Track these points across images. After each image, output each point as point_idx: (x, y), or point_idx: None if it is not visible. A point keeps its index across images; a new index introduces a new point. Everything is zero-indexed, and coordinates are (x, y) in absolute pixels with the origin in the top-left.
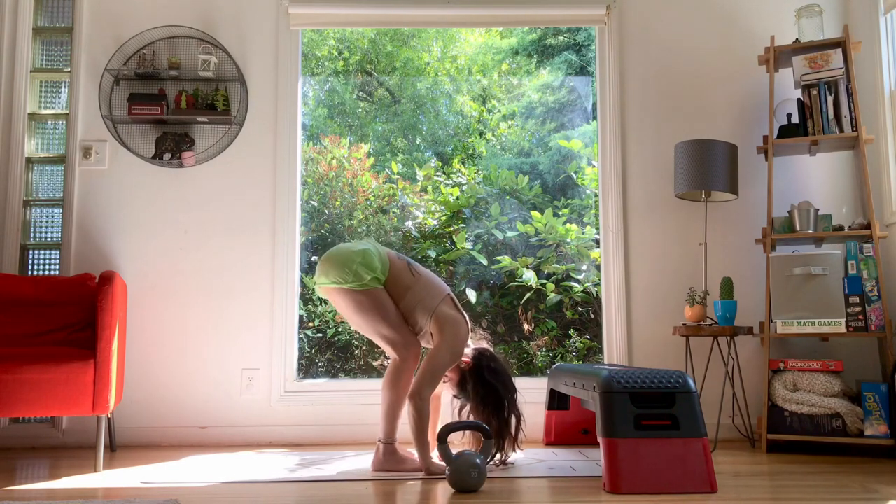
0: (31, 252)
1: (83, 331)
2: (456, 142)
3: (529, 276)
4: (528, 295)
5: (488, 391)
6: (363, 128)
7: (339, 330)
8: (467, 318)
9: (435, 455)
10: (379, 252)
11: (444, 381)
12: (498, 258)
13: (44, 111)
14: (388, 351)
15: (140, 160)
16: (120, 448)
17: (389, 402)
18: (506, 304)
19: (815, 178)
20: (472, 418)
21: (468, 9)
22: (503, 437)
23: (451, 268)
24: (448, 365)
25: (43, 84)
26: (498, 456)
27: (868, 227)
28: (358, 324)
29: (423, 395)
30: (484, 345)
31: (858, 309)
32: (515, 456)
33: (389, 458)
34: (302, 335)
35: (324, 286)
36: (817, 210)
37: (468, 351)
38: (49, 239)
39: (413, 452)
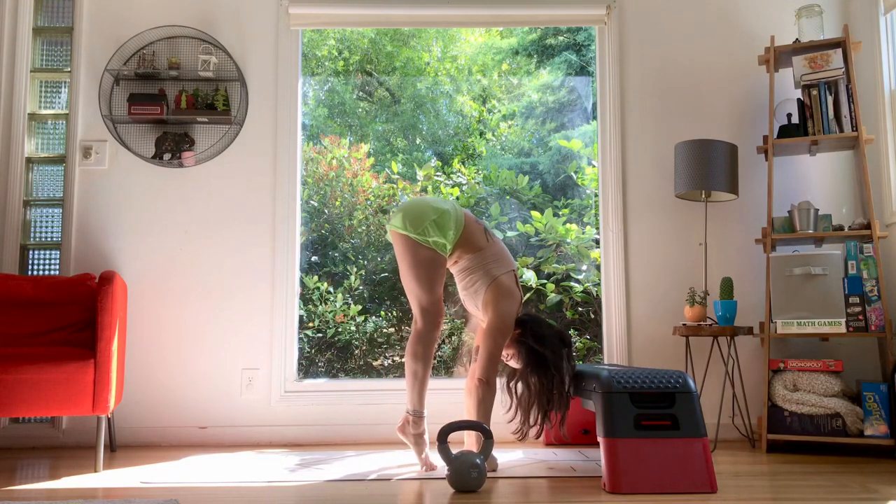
0: (31, 252)
1: (83, 331)
2: (456, 142)
3: (529, 276)
4: (528, 295)
5: (537, 363)
6: (363, 128)
7: (339, 330)
8: (522, 297)
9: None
10: (456, 215)
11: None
12: None
13: (44, 111)
14: (416, 312)
15: (140, 160)
16: (120, 448)
17: (414, 372)
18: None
19: (815, 178)
20: (519, 386)
21: (468, 9)
22: (557, 396)
23: None
24: (503, 342)
25: (43, 84)
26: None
27: (868, 227)
28: (404, 274)
29: (491, 381)
30: (523, 310)
31: (858, 309)
32: (516, 455)
33: (416, 429)
34: (302, 335)
35: (393, 228)
36: (817, 210)
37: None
38: (49, 239)
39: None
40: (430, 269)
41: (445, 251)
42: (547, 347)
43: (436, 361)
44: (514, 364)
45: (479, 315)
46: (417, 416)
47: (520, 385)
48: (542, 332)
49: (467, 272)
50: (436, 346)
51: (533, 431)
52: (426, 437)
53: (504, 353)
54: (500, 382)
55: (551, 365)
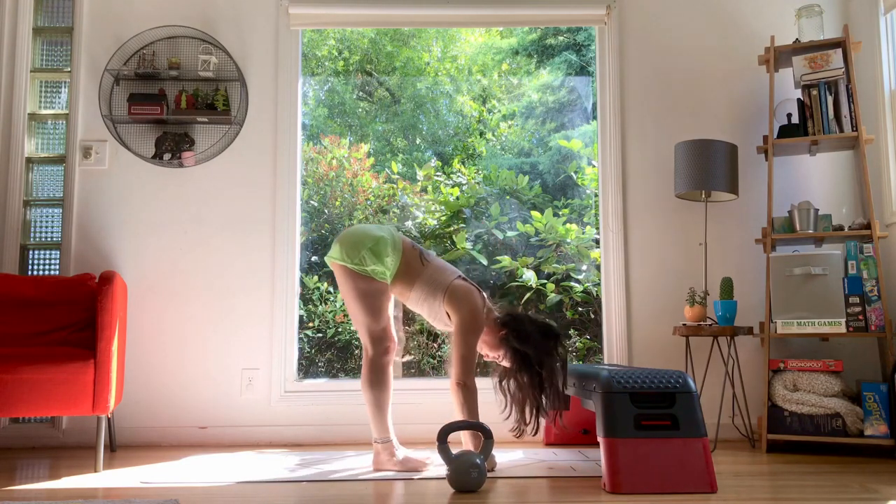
0: (31, 252)
1: (83, 331)
2: (456, 142)
3: (529, 276)
4: (528, 295)
5: (523, 361)
6: (363, 128)
7: (339, 330)
8: (481, 291)
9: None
10: (394, 241)
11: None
12: (498, 258)
13: (44, 111)
14: (364, 340)
15: (140, 160)
16: (120, 448)
17: (373, 401)
18: (506, 304)
19: (815, 178)
20: (512, 385)
21: (468, 9)
22: (549, 390)
23: None
24: (475, 342)
25: (43, 84)
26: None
27: (868, 227)
28: (348, 304)
29: (468, 383)
30: (507, 308)
31: (858, 309)
32: (516, 455)
33: (389, 457)
34: (302, 335)
35: (332, 260)
36: (817, 210)
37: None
38: (49, 239)
39: (408, 453)
40: (374, 298)
41: (386, 278)
42: (530, 345)
43: (436, 361)
44: (505, 364)
45: (450, 328)
46: (386, 441)
47: (512, 383)
48: (525, 330)
49: (420, 301)
50: (391, 369)
51: (529, 428)
52: (399, 454)
53: (493, 354)
54: (492, 382)
55: (535, 362)
